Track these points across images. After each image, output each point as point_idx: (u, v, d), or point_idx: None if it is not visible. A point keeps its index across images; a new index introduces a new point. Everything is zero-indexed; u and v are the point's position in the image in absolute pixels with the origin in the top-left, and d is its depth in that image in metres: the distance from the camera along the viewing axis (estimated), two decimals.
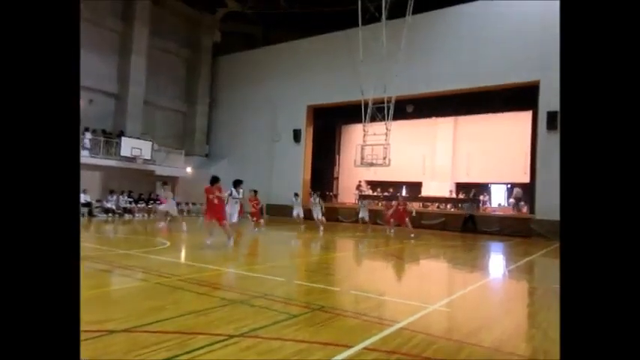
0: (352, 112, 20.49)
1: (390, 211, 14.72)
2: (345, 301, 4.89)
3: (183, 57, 26.58)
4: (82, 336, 3.01)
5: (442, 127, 23.62)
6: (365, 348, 3.02)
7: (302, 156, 23.49)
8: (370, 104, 19.43)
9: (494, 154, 21.51)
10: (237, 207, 10.60)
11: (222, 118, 27.39)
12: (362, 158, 19.88)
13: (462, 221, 17.86)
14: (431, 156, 23.83)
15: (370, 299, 4.95)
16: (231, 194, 10.06)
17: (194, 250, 8.95)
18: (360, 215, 16.46)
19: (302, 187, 23.20)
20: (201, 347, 2.89)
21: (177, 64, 26.39)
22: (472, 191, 20.95)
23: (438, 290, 6.25)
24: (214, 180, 9.37)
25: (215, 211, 9.06)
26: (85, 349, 2.79)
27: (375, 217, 18.08)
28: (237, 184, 10.44)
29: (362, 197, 18.44)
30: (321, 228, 14.43)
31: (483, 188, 21.07)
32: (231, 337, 3.14)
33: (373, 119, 19.64)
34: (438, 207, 20.85)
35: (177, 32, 26.06)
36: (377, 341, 3.20)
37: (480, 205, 19.76)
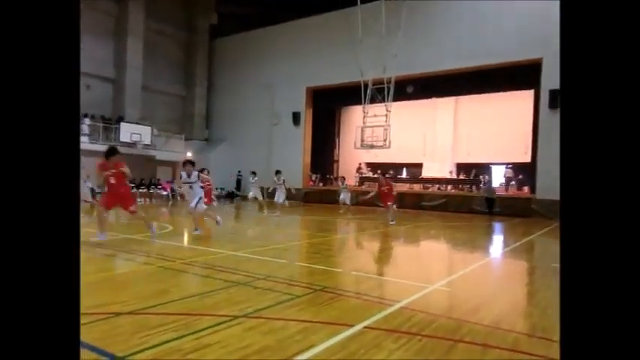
0: (352, 94, 20.31)
1: (371, 194, 13.14)
2: (346, 281, 4.95)
3: (181, 40, 26.21)
4: (89, 318, 3.08)
5: (443, 107, 23.44)
6: (366, 327, 3.08)
7: (301, 139, 23.42)
8: (370, 85, 19.24)
9: (496, 134, 21.41)
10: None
11: (221, 101, 27.20)
12: (362, 140, 19.80)
13: (486, 205, 17.45)
14: (431, 137, 23.73)
15: (371, 280, 5.02)
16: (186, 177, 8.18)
17: (195, 234, 9.01)
18: (341, 197, 15.75)
19: (302, 169, 23.22)
20: (206, 328, 2.95)
21: (175, 48, 26.04)
22: (472, 171, 20.95)
23: (439, 270, 6.33)
24: (111, 152, 6.89)
25: (118, 196, 6.97)
26: (92, 331, 2.85)
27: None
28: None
29: (342, 179, 17.30)
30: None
31: (484, 169, 21.07)
32: (235, 317, 3.20)
33: (373, 100, 19.48)
34: (439, 188, 20.90)
35: (173, 14, 25.63)
36: (378, 320, 3.26)
37: (481, 185, 19.80)
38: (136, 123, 21.47)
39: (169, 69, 25.76)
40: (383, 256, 7.48)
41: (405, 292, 4.26)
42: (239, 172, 24.92)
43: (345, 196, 15.66)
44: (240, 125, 25.78)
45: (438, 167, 22.74)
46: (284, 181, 13.92)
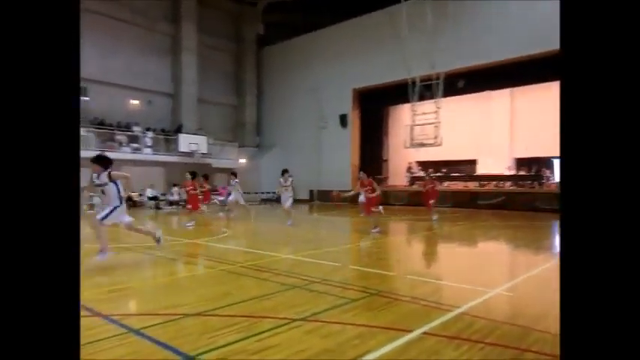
0: (399, 93, 20.00)
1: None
2: (401, 285, 4.91)
3: (231, 52, 27.33)
4: (162, 319, 3.33)
5: (497, 100, 22.35)
6: (425, 333, 3.05)
7: (349, 140, 23.43)
8: (417, 82, 18.84)
9: (557, 126, 19.98)
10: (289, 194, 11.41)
11: (270, 108, 27.95)
12: (412, 139, 19.43)
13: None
14: (486, 132, 22.71)
15: (427, 284, 4.93)
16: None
17: (251, 237, 9.35)
18: (360, 199, 13.10)
19: (351, 171, 23.21)
20: (268, 330, 3.08)
21: (226, 59, 27.19)
22: (533, 167, 19.77)
23: (500, 274, 6.07)
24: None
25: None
26: (166, 331, 3.08)
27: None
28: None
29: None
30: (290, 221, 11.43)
31: (545, 163, 19.78)
32: (294, 320, 3.31)
33: (422, 98, 19.05)
34: (496, 185, 19.95)
35: (223, 28, 26.79)
36: (437, 326, 3.21)
37: (544, 181, 18.62)
38: (193, 133, 22.66)
39: (221, 80, 26.94)
40: (438, 259, 7.30)
41: (463, 297, 4.15)
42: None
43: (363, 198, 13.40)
44: (289, 130, 26.32)
45: (494, 163, 21.70)
46: (292, 182, 11.85)
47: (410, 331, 3.07)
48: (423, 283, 4.96)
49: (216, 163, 23.49)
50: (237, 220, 13.37)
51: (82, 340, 2.88)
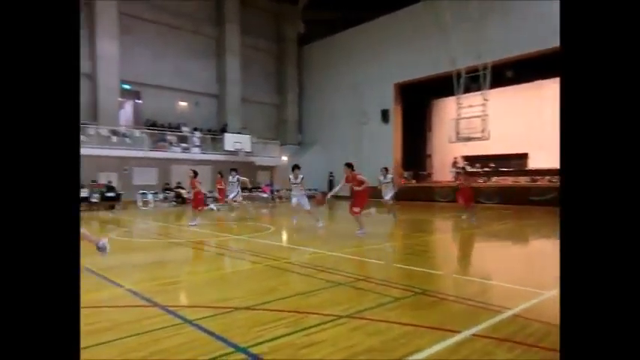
0: (443, 86, 19.44)
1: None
2: (447, 285, 4.82)
3: (272, 51, 27.81)
4: (213, 311, 3.49)
5: (550, 90, 21.10)
6: (474, 334, 2.98)
7: (391, 136, 23.11)
8: (463, 74, 18.21)
9: None
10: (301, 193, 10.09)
11: (311, 106, 28.15)
12: (457, 133, 18.85)
13: None
14: (538, 123, 21.50)
15: (475, 283, 4.80)
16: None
17: (295, 234, 9.51)
18: (386, 198, 11.92)
19: (393, 167, 22.91)
20: (315, 326, 3.15)
21: (267, 59, 27.71)
22: None
23: (554, 275, 5.77)
24: (294, 167, 10.26)
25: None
26: (216, 323, 3.23)
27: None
28: (293, 168, 10.26)
29: (385, 170, 12.36)
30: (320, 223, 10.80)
31: None
32: (340, 317, 3.35)
33: (467, 90, 18.41)
34: (550, 180, 18.89)
35: (264, 28, 27.31)
36: (487, 328, 3.13)
37: None
38: (238, 132, 23.35)
39: (263, 79, 27.50)
40: (486, 258, 7.06)
41: (515, 299, 4.00)
42: (331, 173, 25.53)
43: (388, 194, 11.80)
44: (330, 127, 26.39)
45: (547, 157, 20.53)
46: (302, 179, 10.21)
47: (458, 332, 3.01)
48: (469, 282, 4.83)
49: (259, 161, 24.08)
50: (282, 216, 13.63)
51: (144, 329, 3.10)
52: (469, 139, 18.09)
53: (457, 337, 2.92)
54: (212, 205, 14.13)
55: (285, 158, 25.67)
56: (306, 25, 27.84)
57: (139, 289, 4.28)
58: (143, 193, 19.07)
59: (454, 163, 22.80)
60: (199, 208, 11.11)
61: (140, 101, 22.78)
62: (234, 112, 24.80)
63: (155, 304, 3.77)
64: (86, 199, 17.07)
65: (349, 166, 8.85)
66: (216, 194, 15.40)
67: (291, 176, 10.25)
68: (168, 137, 21.34)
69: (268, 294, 4.13)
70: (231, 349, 2.73)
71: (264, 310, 3.57)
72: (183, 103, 23.72)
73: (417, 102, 23.54)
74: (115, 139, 19.62)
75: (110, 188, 17.97)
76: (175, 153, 21.02)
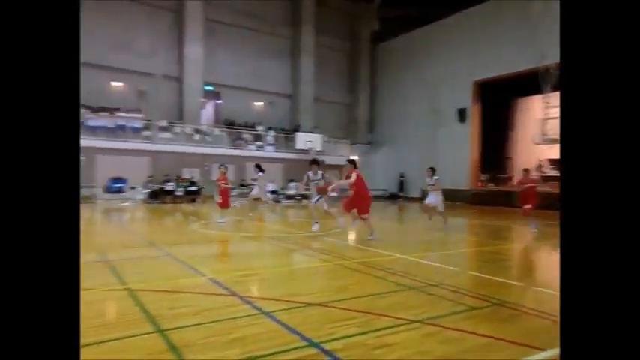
0: (528, 83, 18.07)
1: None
2: (529, 297, 4.50)
3: (345, 50, 27.99)
4: (288, 305, 3.64)
5: None
6: None
7: (468, 136, 22.02)
8: (552, 70, 16.75)
9: None
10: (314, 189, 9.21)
11: (384, 105, 27.82)
12: (543, 134, 17.43)
13: None
14: None
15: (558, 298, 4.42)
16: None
17: (365, 234, 9.49)
18: (426, 201, 10.78)
19: (470, 169, 21.82)
20: (386, 328, 3.14)
21: (340, 58, 27.96)
22: None
23: None
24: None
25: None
26: (290, 317, 3.36)
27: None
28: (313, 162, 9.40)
29: (431, 171, 10.69)
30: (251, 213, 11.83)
31: None
32: (412, 322, 3.31)
33: (555, 88, 16.89)
34: None
35: (339, 28, 27.57)
36: None
37: None
38: (309, 132, 23.88)
39: (336, 79, 27.80)
40: None
41: None
42: (402, 174, 25.06)
43: (431, 199, 10.47)
44: (403, 127, 25.87)
45: None
46: (322, 176, 9.34)
47: (542, 349, 2.81)
48: (553, 297, 4.46)
49: (329, 160, 24.39)
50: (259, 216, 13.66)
51: (225, 316, 3.33)
52: (556, 141, 16.60)
53: (542, 355, 2.73)
54: (236, 203, 13.57)
55: (355, 157, 25.74)
56: (381, 23, 27.58)
57: (220, 279, 4.59)
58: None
59: (539, 167, 21.09)
60: (226, 206, 10.68)
61: (220, 101, 24.32)
62: (306, 111, 25.42)
63: (234, 294, 4.03)
64: (172, 192, 18.65)
65: (351, 162, 8.05)
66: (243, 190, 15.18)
67: (310, 173, 9.16)
68: (244, 136, 22.50)
69: (340, 292, 4.20)
70: (305, 343, 2.83)
71: (335, 307, 3.64)
72: (258, 103, 24.85)
73: (498, 100, 22.16)
74: (197, 137, 21.15)
75: (192, 183, 19.43)
76: (250, 151, 22.09)
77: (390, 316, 3.41)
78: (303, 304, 3.72)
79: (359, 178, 7.76)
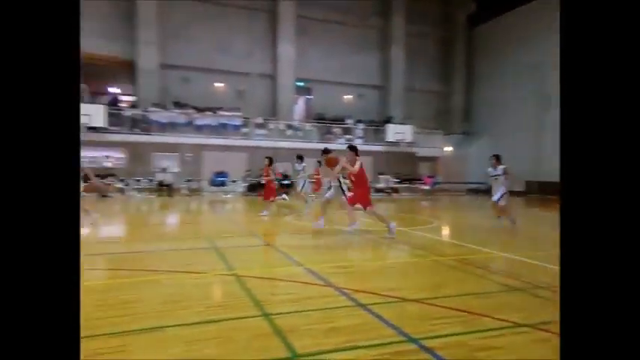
0: None
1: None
2: None
3: (438, 37, 26.71)
4: (383, 299, 3.65)
5: None
6: None
7: None
8: None
9: None
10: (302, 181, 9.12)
11: (481, 92, 25.99)
12: None
13: None
14: None
15: None
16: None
17: (460, 230, 9.05)
18: (494, 197, 8.95)
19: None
20: (490, 329, 2.98)
21: (432, 46, 26.79)
22: None
23: None
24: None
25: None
26: (386, 311, 3.36)
27: None
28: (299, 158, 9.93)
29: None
30: (305, 208, 11.03)
31: None
32: (518, 325, 3.08)
33: None
34: None
35: (431, 14, 26.38)
36: None
37: None
38: (400, 123, 23.37)
39: (428, 67, 26.71)
40: None
41: None
42: (504, 169, 23.24)
43: (495, 191, 8.97)
44: (503, 115, 23.90)
45: None
46: (304, 168, 10.91)
47: None
48: None
49: (421, 151, 23.61)
50: (444, 210, 13.15)
51: (323, 306, 3.46)
52: None
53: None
54: (284, 195, 13.05)
55: (449, 149, 24.52)
56: (478, 6, 25.71)
57: (315, 269, 4.78)
58: (312, 182, 21.01)
59: None
60: (271, 198, 10.53)
61: (311, 97, 25.03)
62: (396, 102, 24.93)
63: (329, 285, 4.16)
64: (285, 185, 19.82)
65: (352, 149, 7.32)
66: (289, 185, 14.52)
67: (296, 164, 10.00)
68: (334, 129, 22.86)
69: (437, 289, 4.08)
70: (402, 338, 2.82)
71: (433, 305, 3.55)
72: (348, 96, 25.02)
73: None
74: (289, 132, 22.08)
75: (285, 176, 20.39)
76: (340, 144, 22.37)
77: (494, 318, 3.22)
78: (398, 299, 3.70)
79: (362, 168, 7.14)
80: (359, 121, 23.50)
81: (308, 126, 22.87)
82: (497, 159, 8.89)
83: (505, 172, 8.71)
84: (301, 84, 24.12)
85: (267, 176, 10.49)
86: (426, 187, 21.93)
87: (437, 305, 3.54)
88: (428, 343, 2.72)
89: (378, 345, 2.70)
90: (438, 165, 24.52)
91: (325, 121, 23.30)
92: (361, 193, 7.20)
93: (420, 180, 22.63)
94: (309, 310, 3.36)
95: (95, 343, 2.68)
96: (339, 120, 23.67)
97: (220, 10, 22.39)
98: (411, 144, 23.00)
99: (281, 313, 3.26)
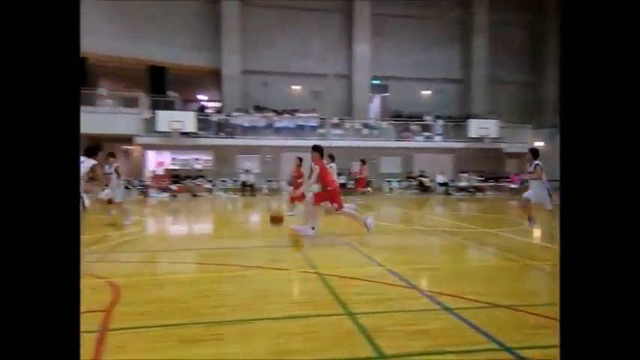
0: None
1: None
2: None
3: (524, 23, 24.66)
4: (471, 304, 3.48)
5: None
6: None
7: None
8: None
9: None
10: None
11: None
12: None
13: None
14: None
15: None
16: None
17: (557, 233, 8.24)
18: (525, 194, 7.80)
19: None
20: None
21: (518, 34, 24.79)
22: None
23: None
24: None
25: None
26: (474, 316, 3.20)
27: None
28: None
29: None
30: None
31: None
32: None
33: None
34: None
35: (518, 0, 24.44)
36: None
37: None
38: (484, 118, 22.00)
39: (513, 57, 24.75)
40: None
41: None
42: None
43: (531, 192, 7.67)
44: None
45: None
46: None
47: None
48: None
49: (508, 147, 21.98)
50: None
51: (408, 307, 3.41)
52: None
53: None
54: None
55: (540, 144, 22.50)
56: None
57: (396, 270, 4.71)
58: (388, 181, 20.71)
59: None
60: (296, 199, 10.06)
61: (387, 94, 24.68)
62: (479, 95, 23.54)
63: (413, 286, 4.08)
64: (344, 184, 19.96)
65: (316, 150, 7.08)
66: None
67: (106, 165, 8.75)
68: (412, 127, 22.27)
69: (530, 296, 3.79)
70: (495, 346, 2.67)
71: (527, 312, 3.31)
72: (425, 92, 24.22)
73: None
74: (365, 131, 22.00)
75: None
76: (418, 142, 21.74)
77: None
78: (487, 304, 3.51)
79: (322, 169, 7.03)
80: (438, 117, 22.60)
81: (384, 124, 22.59)
82: (533, 153, 7.65)
83: (534, 170, 7.34)
84: (377, 82, 23.89)
85: (298, 177, 10.53)
86: (514, 186, 20.36)
87: (531, 313, 3.28)
88: (525, 353, 2.55)
89: (469, 351, 2.59)
90: (526, 161, 22.67)
91: (402, 118, 22.82)
92: (327, 193, 7.12)
93: (507, 178, 21.10)
94: (393, 311, 3.34)
95: (197, 330, 2.96)
96: (416, 117, 23.00)
97: (296, 15, 23.09)
98: (496, 140, 21.50)
99: (365, 313, 3.27)
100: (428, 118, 22.74)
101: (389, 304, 3.50)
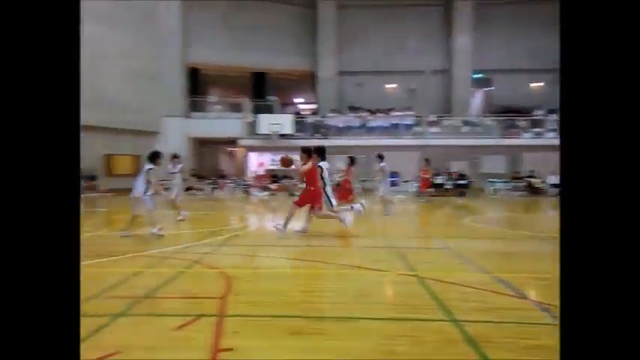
0: None
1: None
2: None
3: None
4: None
5: None
6: None
7: None
8: None
9: None
10: None
11: None
12: None
13: None
14: None
15: None
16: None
17: None
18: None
19: None
20: None
21: None
22: None
23: None
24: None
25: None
26: None
27: None
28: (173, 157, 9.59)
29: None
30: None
31: None
32: None
33: None
34: None
35: None
36: None
37: None
38: None
39: None
40: None
41: None
42: None
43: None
44: None
45: None
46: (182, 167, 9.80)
47: None
48: None
49: None
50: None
51: (519, 319, 3.15)
52: None
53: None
54: (362, 201, 11.45)
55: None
56: None
57: (504, 278, 4.37)
58: (492, 182, 19.27)
59: None
60: (342, 200, 9.76)
61: (490, 88, 22.98)
62: None
63: (524, 297, 3.75)
64: (441, 185, 19.10)
65: (305, 151, 7.18)
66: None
67: (170, 165, 9.47)
68: (519, 123, 20.41)
69: None
70: None
71: None
72: (536, 84, 22.00)
73: None
74: (465, 128, 20.78)
75: (462, 176, 19.28)
76: (526, 139, 19.86)
77: None
78: None
79: (313, 169, 7.05)
80: (551, 112, 20.37)
81: (488, 120, 21.07)
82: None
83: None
84: (479, 75, 22.40)
85: (346, 176, 10.36)
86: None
87: None
88: None
89: None
90: None
91: (508, 113, 21.05)
92: (311, 194, 7.12)
93: None
94: (503, 322, 3.11)
95: (302, 323, 3.10)
96: (525, 112, 21.02)
97: (392, 12, 22.76)
98: None
99: (471, 321, 3.10)
100: (539, 112, 20.63)
101: (498, 314, 3.27)
